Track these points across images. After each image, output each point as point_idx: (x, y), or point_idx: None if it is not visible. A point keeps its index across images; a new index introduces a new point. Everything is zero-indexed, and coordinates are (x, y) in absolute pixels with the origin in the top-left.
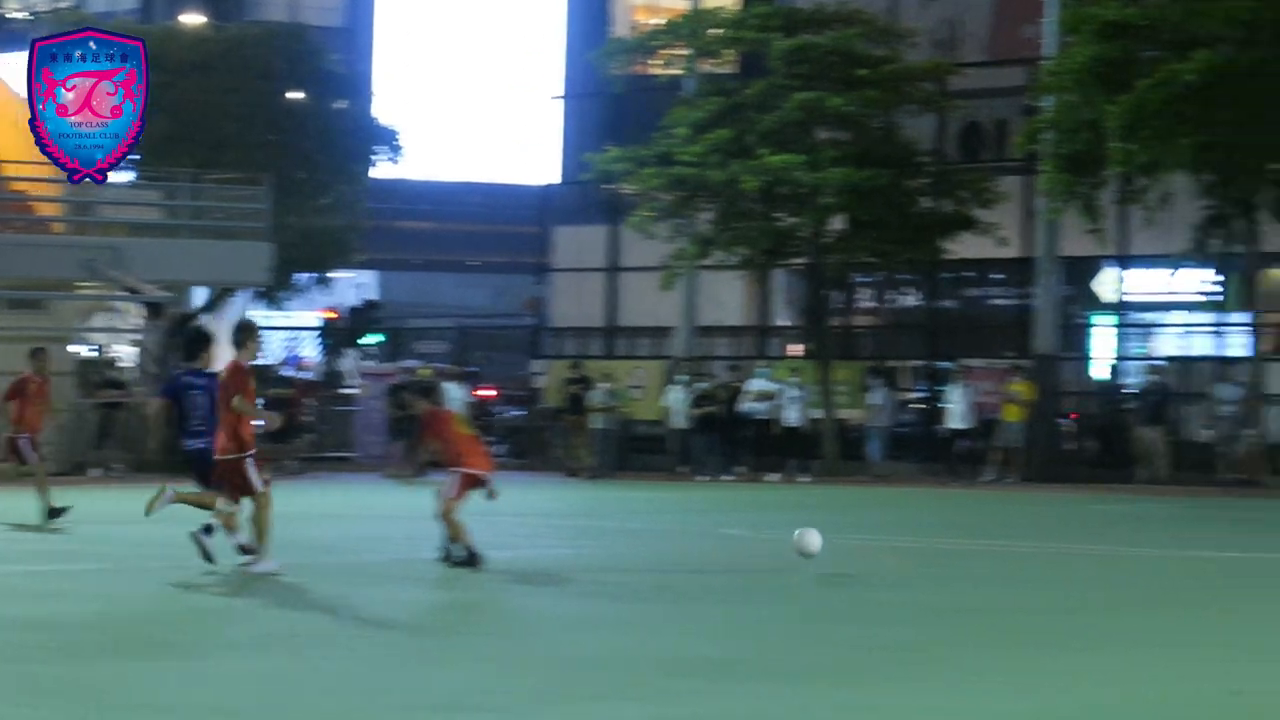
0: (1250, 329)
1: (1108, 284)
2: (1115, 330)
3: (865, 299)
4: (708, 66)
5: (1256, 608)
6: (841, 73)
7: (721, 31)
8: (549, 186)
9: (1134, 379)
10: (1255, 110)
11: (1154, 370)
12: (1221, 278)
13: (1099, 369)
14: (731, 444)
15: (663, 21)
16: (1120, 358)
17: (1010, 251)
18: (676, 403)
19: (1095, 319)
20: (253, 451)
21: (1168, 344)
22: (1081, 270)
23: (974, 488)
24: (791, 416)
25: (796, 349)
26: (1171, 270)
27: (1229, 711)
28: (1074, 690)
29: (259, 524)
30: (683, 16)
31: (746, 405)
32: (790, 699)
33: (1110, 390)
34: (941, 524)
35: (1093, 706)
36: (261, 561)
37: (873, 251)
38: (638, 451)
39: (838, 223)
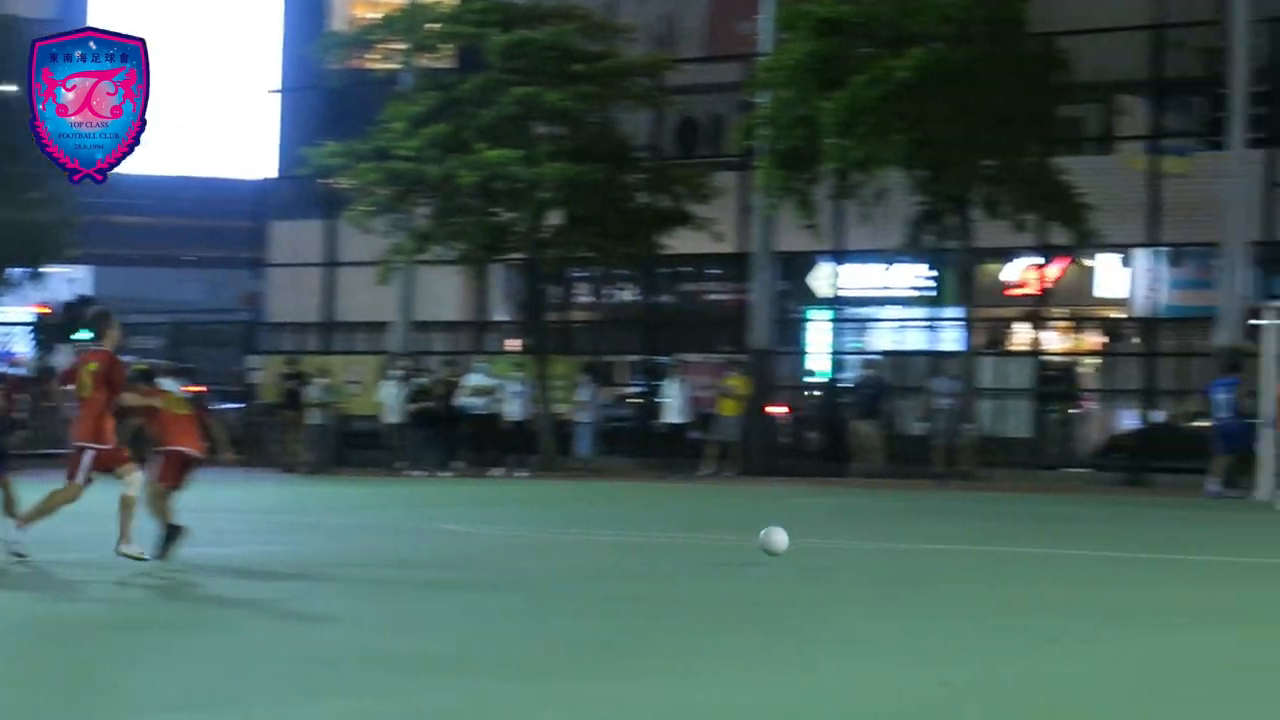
0: (963, 323)
1: (823, 279)
2: (831, 325)
3: (583, 294)
4: (425, 61)
5: (963, 599)
6: (558, 68)
7: (439, 26)
8: (265, 181)
9: (850, 373)
10: (968, 107)
11: (869, 364)
12: (935, 273)
13: (815, 363)
14: (449, 439)
15: (380, 16)
16: (836, 352)
17: (727, 247)
18: (391, 398)
19: (811, 314)
20: (106, 447)
21: (883, 338)
22: (797, 265)
23: (691, 482)
24: (513, 411)
25: (515, 344)
26: (886, 265)
27: (937, 702)
28: (786, 682)
29: (45, 505)
30: (400, 11)
31: (463, 400)
32: (504, 693)
33: (826, 384)
34: (657, 518)
35: (805, 697)
36: (15, 540)
37: (590, 247)
38: (355, 447)
39: (555, 218)
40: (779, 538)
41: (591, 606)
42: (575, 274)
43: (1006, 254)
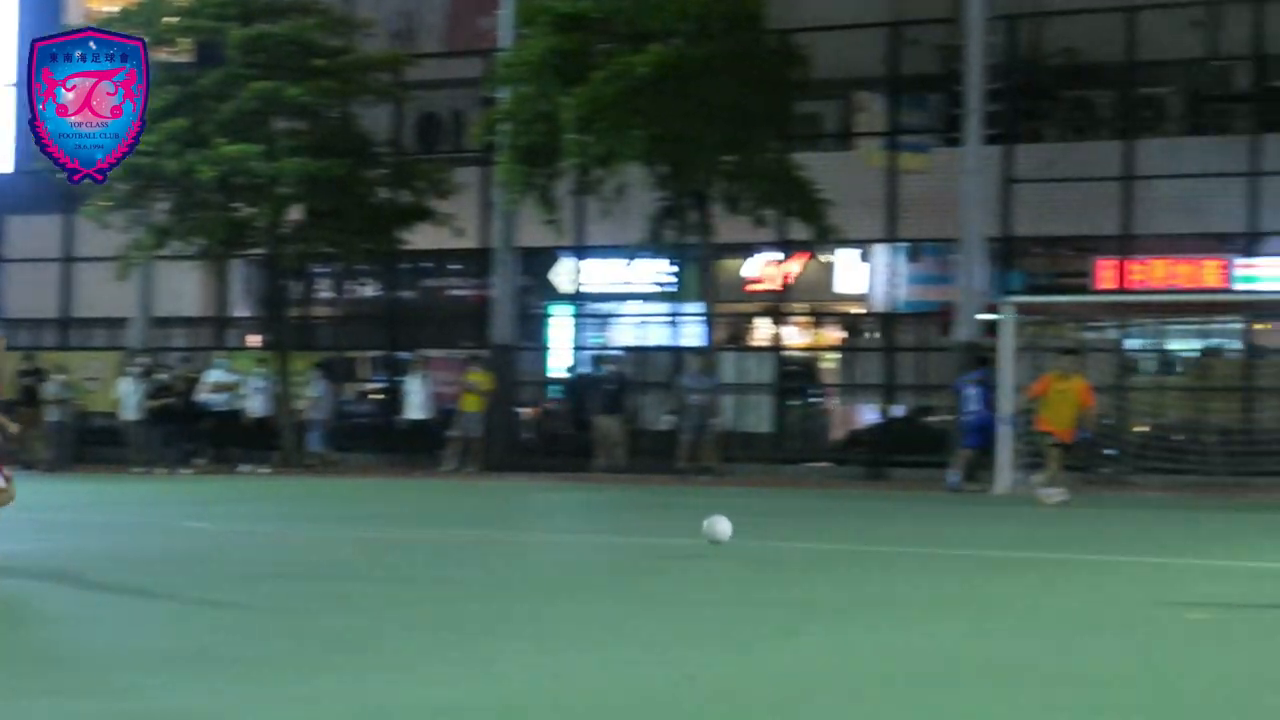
0: (705, 319)
1: (565, 275)
2: (573, 320)
3: (324, 290)
4: (163, 55)
5: (710, 592)
6: (298, 63)
7: (177, 20)
8: (0, 176)
9: (592, 369)
10: (707, 103)
11: (611, 360)
12: (676, 268)
13: (558, 359)
14: (189, 436)
15: (117, 9)
16: (579, 347)
17: (468, 242)
18: (129, 395)
19: (553, 309)
20: None
21: (625, 334)
22: (539, 261)
23: (433, 477)
24: (255, 407)
25: (256, 340)
26: (628, 261)
27: (682, 696)
28: (527, 676)
29: None
30: (137, 4)
31: (204, 397)
32: (240, 693)
33: (569, 380)
34: (398, 514)
35: (545, 692)
36: None
37: (331, 242)
38: (95, 444)
39: (295, 213)
40: (722, 527)
41: (327, 604)
42: (317, 269)
43: (747, 250)
